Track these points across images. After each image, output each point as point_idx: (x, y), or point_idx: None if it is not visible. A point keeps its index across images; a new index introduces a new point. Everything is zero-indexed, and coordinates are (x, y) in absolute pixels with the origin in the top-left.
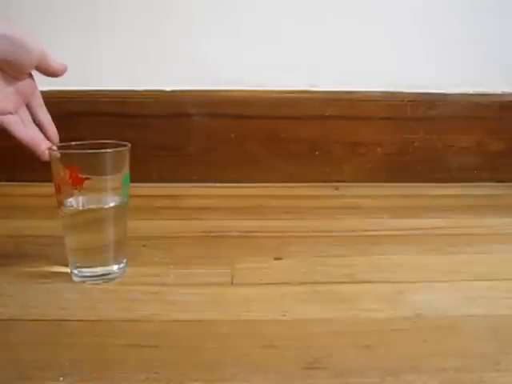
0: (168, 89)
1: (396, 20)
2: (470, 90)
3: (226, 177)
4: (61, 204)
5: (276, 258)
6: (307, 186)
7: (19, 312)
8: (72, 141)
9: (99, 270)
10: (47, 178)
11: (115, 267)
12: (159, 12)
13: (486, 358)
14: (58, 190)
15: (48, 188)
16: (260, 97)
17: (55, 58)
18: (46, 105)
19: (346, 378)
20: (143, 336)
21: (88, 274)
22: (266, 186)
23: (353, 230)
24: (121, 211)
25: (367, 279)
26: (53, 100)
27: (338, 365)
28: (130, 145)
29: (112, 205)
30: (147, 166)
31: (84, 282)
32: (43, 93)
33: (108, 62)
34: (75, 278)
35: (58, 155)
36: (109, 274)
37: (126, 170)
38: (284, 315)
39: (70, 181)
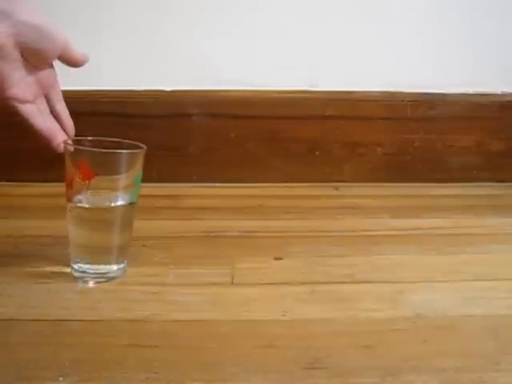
0: (168, 89)
1: (396, 20)
2: (470, 90)
3: (226, 177)
4: (70, 198)
5: (276, 258)
6: (307, 186)
7: (19, 312)
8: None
9: (100, 268)
10: (47, 178)
11: (116, 267)
12: (160, 12)
13: (486, 358)
14: (69, 185)
15: (48, 188)
16: (260, 97)
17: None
18: None
19: (346, 378)
20: (143, 336)
21: (87, 271)
22: (267, 186)
23: (353, 230)
24: (128, 212)
25: (367, 279)
26: None
27: (338, 365)
28: (145, 147)
29: (120, 205)
30: (147, 166)
31: (83, 278)
32: None
33: (108, 61)
34: (75, 273)
35: (72, 149)
36: (109, 273)
37: (139, 171)
38: (284, 315)
39: (80, 176)
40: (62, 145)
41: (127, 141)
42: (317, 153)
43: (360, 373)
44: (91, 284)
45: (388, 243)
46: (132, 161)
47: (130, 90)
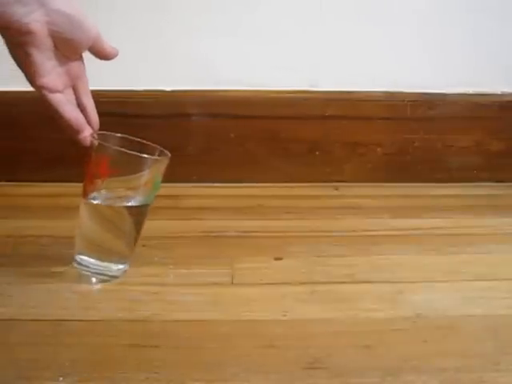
0: (168, 89)
1: (397, 20)
2: (470, 90)
3: (226, 177)
4: (86, 193)
5: (276, 258)
6: (307, 186)
7: (19, 312)
8: (71, 141)
9: (102, 265)
10: (48, 178)
11: (118, 266)
12: (159, 12)
13: (486, 358)
14: (89, 180)
15: (48, 188)
16: (260, 97)
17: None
18: None
19: (346, 378)
20: (143, 336)
21: (90, 266)
22: (266, 186)
23: (353, 230)
24: (140, 214)
25: (367, 279)
26: None
27: (338, 365)
28: (169, 155)
29: (132, 207)
30: None
31: (83, 271)
32: None
33: (108, 61)
34: (75, 265)
35: (97, 144)
36: (111, 271)
37: (158, 178)
38: (284, 315)
39: (99, 171)
40: (88, 138)
41: (154, 145)
42: (317, 153)
43: (360, 373)
44: (94, 281)
45: (388, 243)
46: (154, 167)
47: (129, 90)
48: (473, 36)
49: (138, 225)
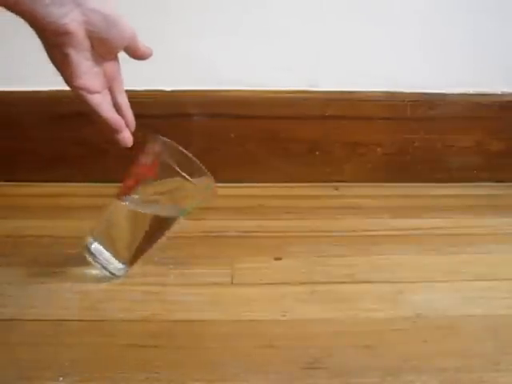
0: (168, 89)
1: (397, 21)
2: (470, 90)
3: (226, 177)
4: (124, 192)
5: (276, 258)
6: (307, 186)
7: (19, 312)
8: (71, 141)
9: (110, 259)
10: (47, 178)
11: (120, 265)
12: (159, 12)
13: (486, 358)
14: (133, 180)
15: (48, 188)
16: (260, 97)
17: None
18: (47, 105)
19: (346, 378)
20: (143, 336)
21: (98, 255)
22: (266, 186)
23: (353, 230)
24: (165, 225)
25: (367, 279)
26: (55, 100)
27: (338, 365)
28: (214, 184)
29: (160, 216)
30: None
31: (85, 255)
32: (44, 93)
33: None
34: (84, 251)
35: (157, 149)
36: (114, 267)
37: (197, 202)
38: (284, 315)
39: (147, 175)
40: (127, 138)
41: (203, 167)
42: (317, 153)
43: (360, 373)
44: (98, 270)
45: (388, 243)
46: (197, 193)
47: (129, 89)
48: (473, 36)
49: (161, 233)
